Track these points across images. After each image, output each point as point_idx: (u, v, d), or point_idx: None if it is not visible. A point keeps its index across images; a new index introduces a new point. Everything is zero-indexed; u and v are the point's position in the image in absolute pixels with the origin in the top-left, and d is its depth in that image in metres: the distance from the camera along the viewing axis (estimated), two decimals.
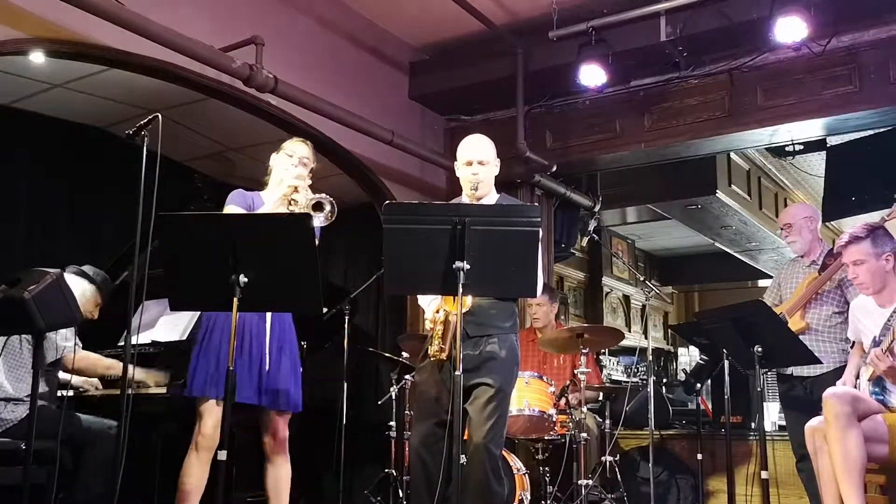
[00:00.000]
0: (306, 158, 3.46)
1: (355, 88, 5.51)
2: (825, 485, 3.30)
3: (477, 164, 3.26)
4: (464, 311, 2.89)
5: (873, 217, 4.53)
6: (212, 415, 3.19)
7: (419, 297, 3.44)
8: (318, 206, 3.16)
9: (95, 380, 4.11)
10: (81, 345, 3.81)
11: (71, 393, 4.07)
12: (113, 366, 3.94)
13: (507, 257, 2.77)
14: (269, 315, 3.31)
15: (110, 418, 3.79)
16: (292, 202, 3.26)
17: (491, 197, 3.34)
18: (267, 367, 3.27)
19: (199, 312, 4.15)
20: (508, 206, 3.19)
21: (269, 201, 3.40)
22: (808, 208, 4.60)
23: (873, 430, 3.26)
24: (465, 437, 3.32)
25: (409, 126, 6.01)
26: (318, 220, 3.14)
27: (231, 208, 3.31)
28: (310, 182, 3.35)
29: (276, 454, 3.38)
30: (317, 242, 2.89)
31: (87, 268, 3.90)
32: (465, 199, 3.32)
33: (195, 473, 3.19)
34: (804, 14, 4.52)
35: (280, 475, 3.38)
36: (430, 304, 3.23)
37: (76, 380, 4.01)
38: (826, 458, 3.28)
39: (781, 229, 4.50)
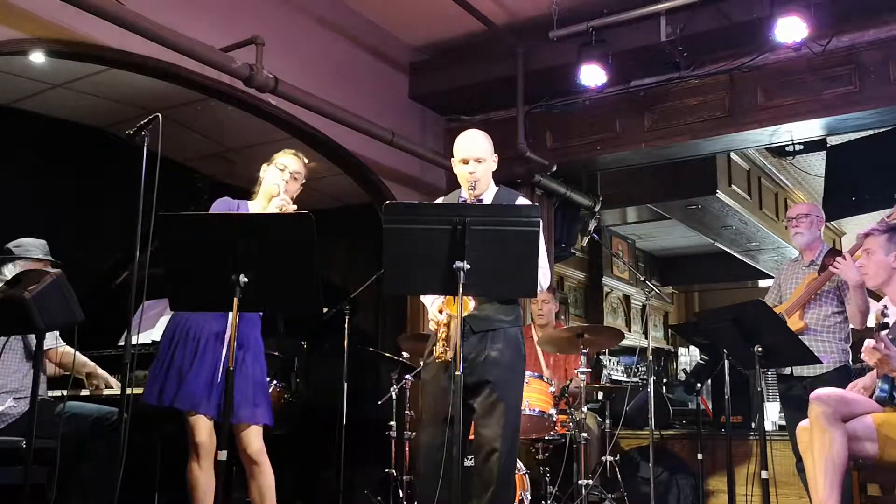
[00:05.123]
0: (297, 173, 3.42)
1: (355, 88, 5.51)
2: (811, 483, 3.33)
3: (473, 161, 3.21)
4: (466, 314, 2.87)
5: (874, 217, 4.53)
6: (201, 423, 3.16)
7: (422, 295, 3.42)
8: None
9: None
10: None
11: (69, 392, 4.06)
12: (86, 363, 3.92)
13: (507, 257, 2.76)
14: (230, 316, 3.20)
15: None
16: None
17: (490, 192, 3.31)
18: (221, 374, 3.13)
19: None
20: (509, 206, 3.18)
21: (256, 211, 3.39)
22: (819, 209, 4.59)
23: (862, 430, 3.29)
24: (471, 438, 3.31)
25: (409, 126, 6.01)
26: None
27: None
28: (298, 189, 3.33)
29: (252, 465, 3.29)
30: None
31: None
32: (464, 194, 3.30)
33: (202, 482, 3.18)
34: (804, 14, 4.52)
35: (262, 484, 3.30)
36: (433, 304, 3.19)
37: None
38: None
39: (793, 219, 4.39)
